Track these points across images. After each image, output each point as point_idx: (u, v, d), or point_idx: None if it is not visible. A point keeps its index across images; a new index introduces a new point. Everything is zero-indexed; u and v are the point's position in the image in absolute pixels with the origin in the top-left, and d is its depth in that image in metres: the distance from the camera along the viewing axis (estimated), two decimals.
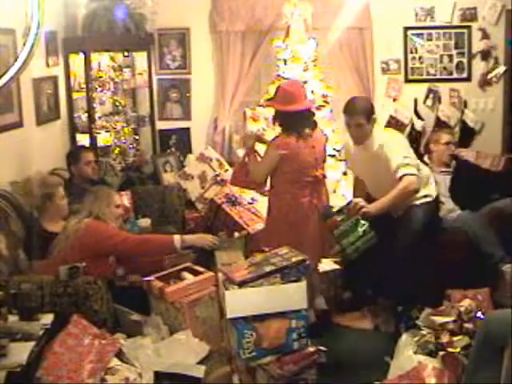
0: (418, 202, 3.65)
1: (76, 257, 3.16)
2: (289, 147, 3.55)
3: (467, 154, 4.83)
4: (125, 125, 5.30)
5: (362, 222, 3.35)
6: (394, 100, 5.41)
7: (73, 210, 3.66)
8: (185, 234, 4.37)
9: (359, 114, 3.51)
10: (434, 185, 3.80)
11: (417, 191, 3.53)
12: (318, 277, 3.83)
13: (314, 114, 3.71)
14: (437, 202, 3.85)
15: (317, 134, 3.66)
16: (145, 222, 4.23)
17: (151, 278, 3.36)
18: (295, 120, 3.55)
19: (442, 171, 4.37)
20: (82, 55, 4.75)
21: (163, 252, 3.54)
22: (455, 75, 5.36)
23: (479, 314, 2.92)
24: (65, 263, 3.09)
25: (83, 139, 4.91)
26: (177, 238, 3.36)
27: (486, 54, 5.26)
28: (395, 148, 3.55)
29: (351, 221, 3.35)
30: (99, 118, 5.00)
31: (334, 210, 3.46)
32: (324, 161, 3.77)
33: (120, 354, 2.72)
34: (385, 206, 3.43)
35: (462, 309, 2.93)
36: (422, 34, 5.34)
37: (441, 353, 2.77)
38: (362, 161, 3.74)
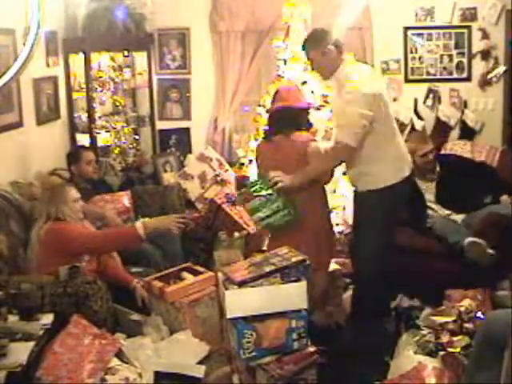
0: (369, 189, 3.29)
1: (48, 262, 3.11)
2: (257, 149, 3.69)
3: (463, 146, 4.82)
4: (125, 125, 5.30)
5: (277, 197, 3.21)
6: (394, 100, 5.40)
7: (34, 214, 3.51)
8: (185, 233, 4.39)
9: (308, 49, 3.34)
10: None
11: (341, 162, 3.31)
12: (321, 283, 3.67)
13: (298, 115, 3.47)
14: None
15: (296, 138, 3.39)
16: None
17: (151, 277, 3.37)
18: (272, 120, 3.53)
19: (428, 177, 4.30)
20: (81, 55, 4.74)
21: (130, 242, 3.40)
22: (455, 75, 5.36)
23: (479, 314, 2.92)
24: (42, 271, 3.09)
25: (83, 139, 4.91)
26: (139, 225, 3.25)
27: (485, 54, 5.26)
28: (353, 99, 3.14)
29: (264, 195, 3.21)
30: (99, 117, 5.00)
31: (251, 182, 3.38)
32: (293, 168, 3.34)
33: (120, 354, 2.72)
34: (305, 178, 3.23)
35: (462, 309, 2.93)
36: (422, 34, 5.34)
37: (441, 353, 2.77)
38: (332, 99, 3.60)
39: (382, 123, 3.20)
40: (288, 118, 3.43)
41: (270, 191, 3.21)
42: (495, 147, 4.88)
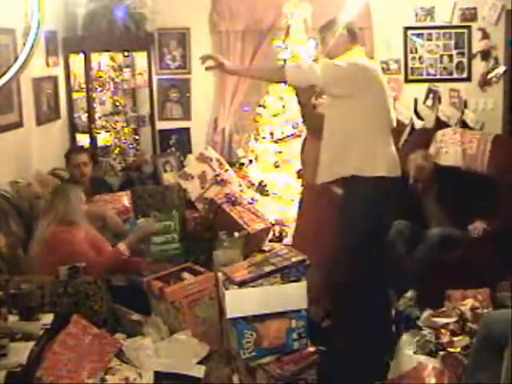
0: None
1: (48, 263, 3.13)
2: None
3: (452, 136, 4.77)
4: (125, 125, 5.30)
5: (177, 230, 3.49)
6: (394, 100, 5.40)
7: (41, 210, 3.56)
8: (185, 233, 4.40)
9: (323, 28, 3.42)
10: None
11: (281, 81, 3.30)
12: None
13: None
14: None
15: None
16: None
17: (151, 277, 3.37)
18: None
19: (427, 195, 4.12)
20: (81, 55, 4.75)
21: (117, 264, 3.43)
22: (455, 75, 5.36)
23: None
24: (43, 270, 3.10)
25: (83, 139, 4.91)
26: (122, 245, 3.38)
27: (486, 54, 5.25)
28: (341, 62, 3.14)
29: (169, 223, 3.53)
30: (99, 118, 5.00)
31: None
32: None
33: (120, 354, 2.72)
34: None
35: (467, 308, 2.93)
36: (421, 33, 5.33)
37: (441, 353, 2.77)
38: None
39: (374, 102, 3.13)
40: None
41: (171, 222, 3.55)
42: (487, 134, 4.82)
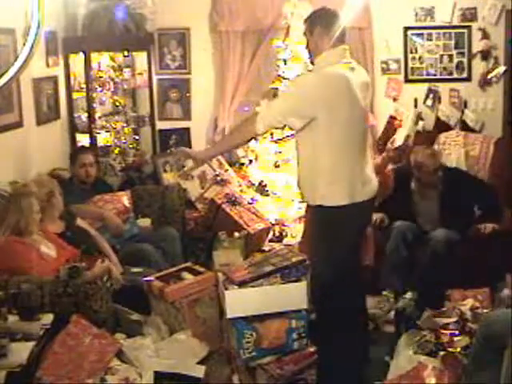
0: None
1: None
2: None
3: (455, 138, 4.79)
4: (125, 125, 5.29)
5: None
6: (394, 100, 5.41)
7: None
8: (185, 233, 4.40)
9: (305, 23, 3.08)
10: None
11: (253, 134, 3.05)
12: None
13: None
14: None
15: None
16: (145, 222, 4.23)
17: (151, 278, 3.37)
18: None
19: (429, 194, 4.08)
20: (81, 55, 4.74)
21: None
22: (455, 75, 5.36)
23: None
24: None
25: (83, 139, 4.91)
26: None
27: (486, 54, 5.25)
28: (298, 82, 3.07)
29: None
30: (99, 118, 4.99)
31: None
32: None
33: (120, 354, 2.72)
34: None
35: (467, 308, 2.93)
36: (421, 34, 5.33)
37: (441, 353, 2.77)
38: None
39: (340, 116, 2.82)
40: None
41: None
42: (489, 136, 4.87)
